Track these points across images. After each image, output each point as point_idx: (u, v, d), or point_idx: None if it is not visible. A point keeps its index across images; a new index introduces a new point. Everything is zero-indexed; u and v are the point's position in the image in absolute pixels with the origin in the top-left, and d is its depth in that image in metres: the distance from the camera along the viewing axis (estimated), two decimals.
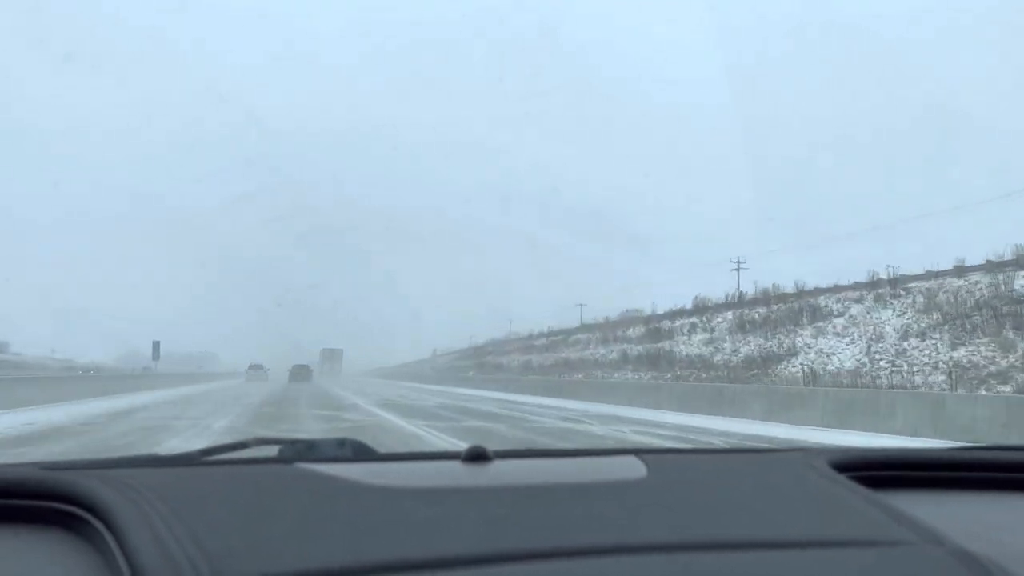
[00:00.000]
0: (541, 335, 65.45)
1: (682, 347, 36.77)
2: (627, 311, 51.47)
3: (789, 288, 35.55)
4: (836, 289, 32.09)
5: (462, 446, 1.20)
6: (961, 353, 22.22)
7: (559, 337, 58.79)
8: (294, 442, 1.21)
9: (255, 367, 64.06)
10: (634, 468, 1.12)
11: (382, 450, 1.28)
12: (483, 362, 68.40)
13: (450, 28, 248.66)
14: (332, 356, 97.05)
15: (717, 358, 32.85)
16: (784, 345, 29.77)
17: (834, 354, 26.80)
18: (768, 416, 17.15)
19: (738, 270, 47.79)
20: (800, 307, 31.96)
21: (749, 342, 32.42)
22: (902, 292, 27.85)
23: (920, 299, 26.53)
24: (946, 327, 23.99)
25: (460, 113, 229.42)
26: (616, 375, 38.57)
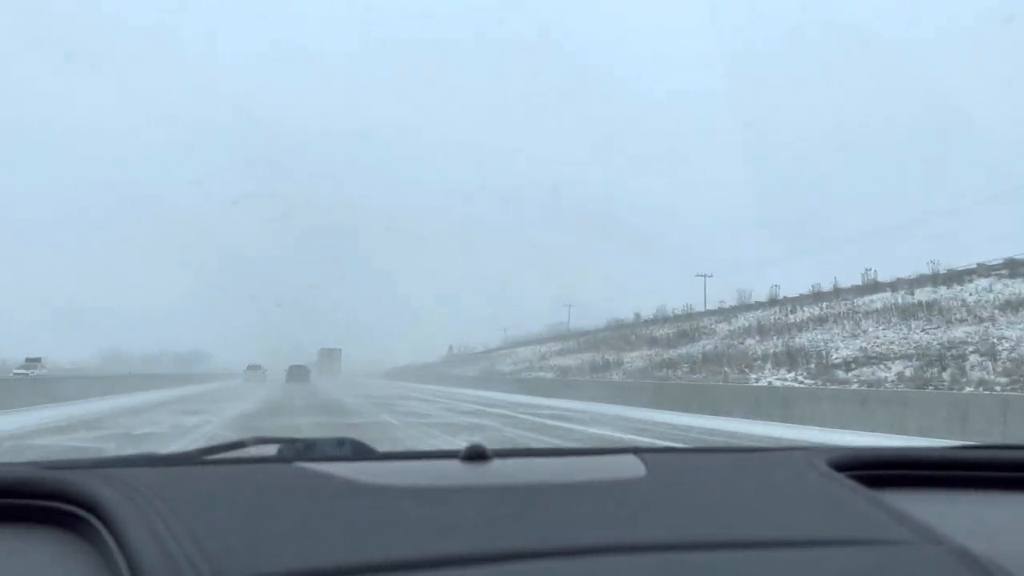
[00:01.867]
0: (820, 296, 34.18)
1: None
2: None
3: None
4: None
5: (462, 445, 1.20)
6: None
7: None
8: (293, 441, 1.21)
9: (253, 367, 64.74)
10: (634, 467, 1.11)
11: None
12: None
13: (449, 27, 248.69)
14: (330, 356, 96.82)
15: None
16: None
17: None
18: None
19: None
20: None
21: None
22: None
23: None
24: None
25: (460, 113, 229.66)
26: None
